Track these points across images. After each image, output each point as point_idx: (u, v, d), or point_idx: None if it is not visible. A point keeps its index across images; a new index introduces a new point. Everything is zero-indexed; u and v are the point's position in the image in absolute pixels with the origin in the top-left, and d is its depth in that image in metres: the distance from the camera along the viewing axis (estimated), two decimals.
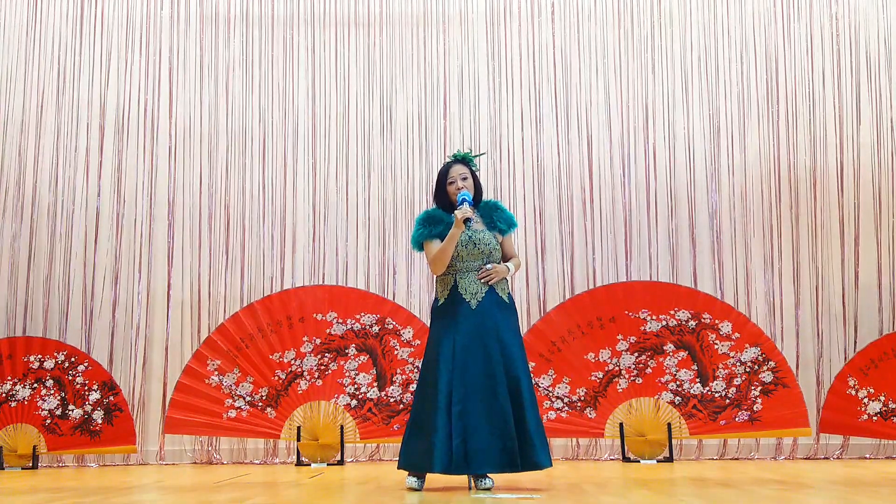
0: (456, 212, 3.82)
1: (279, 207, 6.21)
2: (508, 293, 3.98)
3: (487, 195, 6.08)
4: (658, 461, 5.49)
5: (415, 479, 3.83)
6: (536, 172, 6.22)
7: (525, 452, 3.73)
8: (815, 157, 6.15)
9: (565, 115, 6.28)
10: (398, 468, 3.95)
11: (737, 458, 5.76)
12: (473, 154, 4.08)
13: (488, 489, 3.77)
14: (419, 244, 3.99)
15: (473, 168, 4.03)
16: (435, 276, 4.01)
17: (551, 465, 3.83)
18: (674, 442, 5.56)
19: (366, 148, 6.28)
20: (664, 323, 5.65)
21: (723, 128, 6.22)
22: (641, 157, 6.22)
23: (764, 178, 6.17)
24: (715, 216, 6.13)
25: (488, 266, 3.91)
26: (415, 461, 3.84)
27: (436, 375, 3.79)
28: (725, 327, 5.61)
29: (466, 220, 3.80)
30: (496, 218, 4.01)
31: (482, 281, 3.89)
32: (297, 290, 5.88)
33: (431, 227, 3.95)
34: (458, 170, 3.98)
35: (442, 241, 3.89)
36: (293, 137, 6.30)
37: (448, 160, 4.07)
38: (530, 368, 4.01)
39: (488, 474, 3.82)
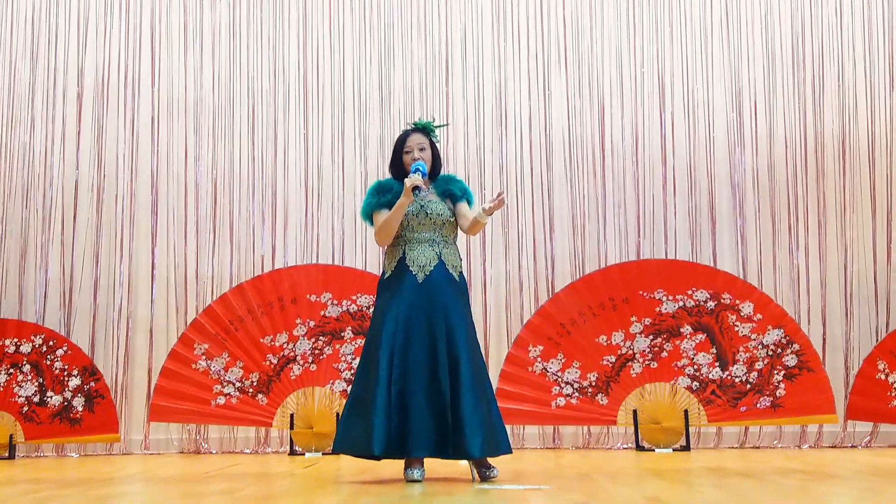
0: (406, 180, 3.82)
1: (270, 181, 6.20)
2: (460, 272, 3.97)
3: (493, 169, 6.15)
4: (674, 450, 5.50)
5: (416, 470, 3.82)
6: (545, 144, 6.20)
7: (455, 439, 3.71)
8: (843, 126, 6.12)
9: (576, 82, 6.24)
10: (333, 452, 3.94)
11: (758, 447, 5.77)
12: (435, 124, 4.07)
13: (493, 479, 3.77)
14: (367, 215, 3.99)
15: (434, 139, 4.04)
16: (383, 249, 3.98)
17: (482, 456, 3.75)
18: (691, 430, 5.57)
19: (362, 118, 6.26)
20: (681, 303, 5.64)
21: (745, 95, 6.18)
22: (657, 128, 6.19)
23: (789, 148, 6.13)
24: (736, 190, 6.11)
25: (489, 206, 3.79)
26: (352, 443, 3.83)
27: (377, 351, 3.81)
28: (746, 308, 5.60)
29: (416, 189, 3.79)
30: (451, 187, 4.00)
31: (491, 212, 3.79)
32: (289, 270, 5.88)
33: (380, 196, 3.96)
34: (417, 139, 3.99)
35: (390, 210, 3.89)
36: (284, 106, 6.27)
37: (407, 128, 4.07)
38: (481, 351, 3.98)
39: (492, 464, 3.83)
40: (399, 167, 4.01)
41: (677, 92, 6.21)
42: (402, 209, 3.86)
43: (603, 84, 6.23)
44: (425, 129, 4.02)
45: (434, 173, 4.04)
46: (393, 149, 4.06)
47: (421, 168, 3.87)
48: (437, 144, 4.07)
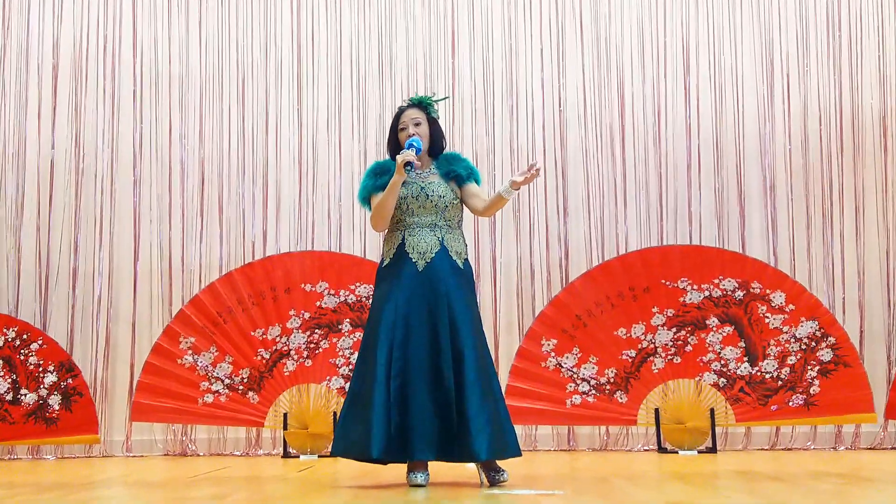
0: (397, 156, 3.82)
1: (261, 161, 6.19)
2: (465, 259, 3.95)
3: (502, 147, 6.13)
4: (699, 452, 5.50)
5: (420, 474, 3.80)
6: (559, 120, 6.19)
7: (460, 439, 3.69)
8: (884, 99, 6.08)
9: (593, 51, 6.22)
10: (331, 455, 4.01)
11: (790, 449, 5.77)
12: (434, 98, 4.06)
13: (503, 483, 3.75)
14: (365, 198, 3.99)
15: (432, 114, 4.03)
16: (381, 235, 3.97)
17: (488, 458, 3.73)
18: (718, 430, 5.56)
19: (361, 93, 6.24)
20: (707, 293, 5.62)
21: (777, 65, 6.15)
22: (681, 101, 6.17)
23: (824, 123, 6.10)
24: (766, 169, 6.09)
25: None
26: (350, 445, 3.82)
27: (375, 345, 3.81)
28: (778, 298, 5.57)
29: (409, 165, 3.77)
30: (455, 167, 3.98)
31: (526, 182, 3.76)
32: (282, 257, 5.88)
33: (377, 177, 3.95)
34: (411, 114, 3.99)
35: None
36: (276, 80, 6.26)
37: (403, 104, 4.07)
38: (487, 344, 3.97)
39: (501, 467, 3.80)
40: (395, 146, 4.01)
41: (703, 62, 6.18)
42: (395, 188, 3.84)
43: (622, 54, 6.20)
44: (421, 104, 4.02)
45: (436, 151, 4.02)
46: (389, 128, 4.06)
47: (415, 143, 3.86)
48: (438, 120, 4.05)
